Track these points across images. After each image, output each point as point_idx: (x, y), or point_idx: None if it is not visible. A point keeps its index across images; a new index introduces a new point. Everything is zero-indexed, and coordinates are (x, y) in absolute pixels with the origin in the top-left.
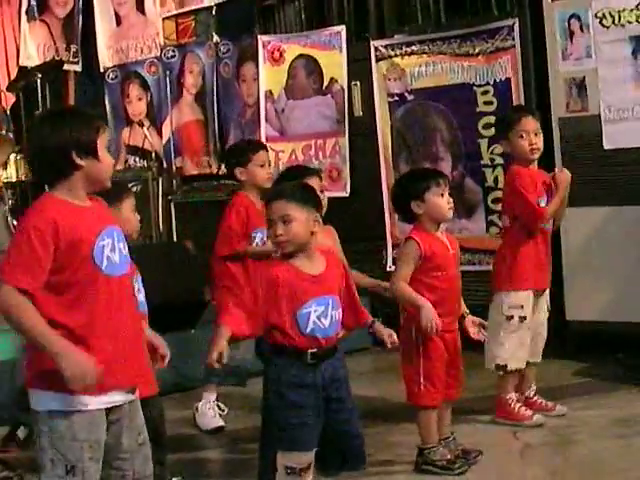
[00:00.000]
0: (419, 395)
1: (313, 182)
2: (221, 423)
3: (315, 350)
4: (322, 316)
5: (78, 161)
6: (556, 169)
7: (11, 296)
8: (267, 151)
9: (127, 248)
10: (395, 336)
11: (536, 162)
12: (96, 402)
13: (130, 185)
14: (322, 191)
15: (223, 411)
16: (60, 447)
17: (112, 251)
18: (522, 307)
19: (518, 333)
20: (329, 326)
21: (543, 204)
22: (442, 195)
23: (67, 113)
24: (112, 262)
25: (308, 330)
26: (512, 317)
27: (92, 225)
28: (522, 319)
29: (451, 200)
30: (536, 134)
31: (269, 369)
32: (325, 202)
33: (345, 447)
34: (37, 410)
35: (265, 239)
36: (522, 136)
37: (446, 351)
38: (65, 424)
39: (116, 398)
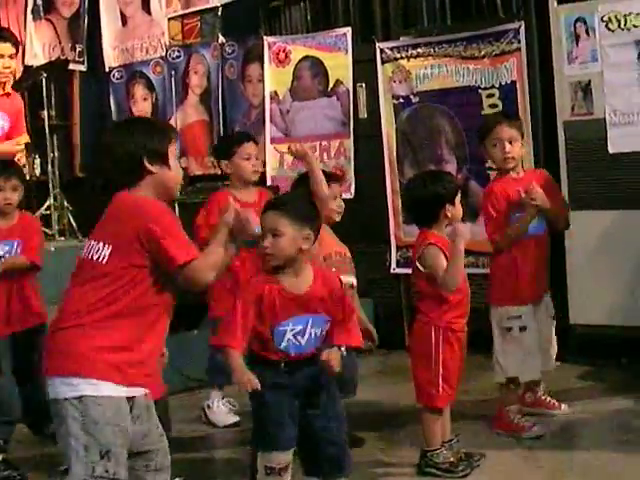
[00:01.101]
0: (437, 397)
1: (334, 188)
2: (236, 419)
3: (288, 361)
4: (299, 334)
5: (149, 167)
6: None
7: (203, 261)
8: (255, 143)
9: None
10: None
11: (519, 168)
12: (123, 390)
13: None
14: (340, 196)
15: (234, 406)
16: (94, 432)
17: None
18: (521, 317)
19: (522, 344)
20: (305, 343)
21: (522, 215)
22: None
23: (142, 120)
24: None
25: (282, 346)
26: (511, 328)
27: None
28: (522, 329)
29: None
30: (511, 142)
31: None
32: (342, 206)
33: (321, 454)
34: (65, 397)
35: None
36: (495, 144)
37: (460, 351)
38: (98, 409)
39: (136, 390)
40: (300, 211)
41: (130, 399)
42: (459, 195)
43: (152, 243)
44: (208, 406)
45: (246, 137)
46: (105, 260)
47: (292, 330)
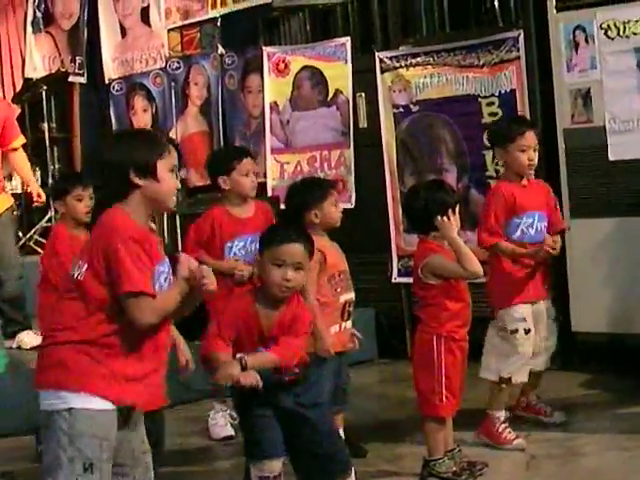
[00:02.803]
0: (440, 407)
1: (332, 198)
2: (231, 432)
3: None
4: None
5: (136, 180)
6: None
7: (149, 302)
8: (253, 158)
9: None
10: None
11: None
12: (111, 404)
13: None
14: (336, 205)
15: (235, 420)
16: (80, 444)
17: (166, 281)
18: (525, 320)
19: (524, 346)
20: None
21: (525, 220)
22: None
23: (132, 133)
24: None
25: None
26: (517, 330)
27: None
28: (527, 331)
29: None
30: (534, 150)
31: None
32: (340, 216)
33: (313, 463)
34: (56, 409)
35: (248, 247)
36: (523, 150)
37: (462, 361)
38: (86, 422)
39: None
40: (312, 245)
41: (126, 409)
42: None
43: (112, 262)
44: (210, 417)
45: (244, 152)
46: (82, 277)
47: None
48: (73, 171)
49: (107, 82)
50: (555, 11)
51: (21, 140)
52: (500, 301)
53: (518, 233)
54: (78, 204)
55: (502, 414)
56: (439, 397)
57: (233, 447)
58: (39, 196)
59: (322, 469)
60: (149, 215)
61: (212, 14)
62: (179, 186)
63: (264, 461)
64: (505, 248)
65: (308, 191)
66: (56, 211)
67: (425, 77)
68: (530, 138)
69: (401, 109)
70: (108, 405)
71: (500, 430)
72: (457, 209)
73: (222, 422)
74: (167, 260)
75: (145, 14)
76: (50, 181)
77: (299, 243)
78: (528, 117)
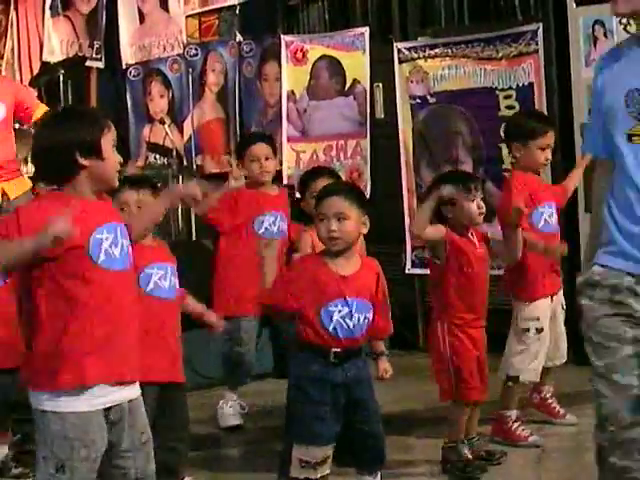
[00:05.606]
0: (450, 392)
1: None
2: (238, 422)
3: (338, 350)
4: (347, 317)
5: (82, 161)
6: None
7: None
8: (268, 144)
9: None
10: (390, 374)
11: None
12: (88, 404)
13: None
14: None
15: (244, 409)
16: (51, 445)
17: (113, 246)
18: (538, 319)
19: (534, 345)
20: (354, 327)
21: (547, 209)
22: (472, 200)
23: (70, 113)
24: (110, 256)
25: (331, 328)
26: (528, 329)
27: (93, 218)
28: (539, 331)
29: (482, 205)
30: (551, 149)
31: (292, 363)
32: None
33: (361, 446)
34: (34, 408)
35: (271, 224)
36: (543, 149)
37: (474, 348)
38: (57, 423)
39: (110, 398)
40: (358, 195)
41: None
42: (465, 194)
43: None
44: (220, 406)
45: (256, 138)
46: None
47: (340, 312)
48: None
49: (124, 67)
50: (574, 5)
51: (42, 109)
52: (520, 292)
53: (542, 223)
54: None
55: (513, 413)
56: (448, 382)
57: (241, 435)
58: None
59: (363, 451)
60: (94, 191)
61: (231, 1)
62: (121, 160)
63: (310, 447)
64: (527, 237)
65: None
66: None
67: (443, 69)
68: (551, 138)
69: (418, 100)
70: (81, 407)
71: (513, 428)
72: (475, 192)
73: (230, 411)
74: (114, 225)
75: (164, 0)
76: None
77: (336, 195)
78: (545, 111)
